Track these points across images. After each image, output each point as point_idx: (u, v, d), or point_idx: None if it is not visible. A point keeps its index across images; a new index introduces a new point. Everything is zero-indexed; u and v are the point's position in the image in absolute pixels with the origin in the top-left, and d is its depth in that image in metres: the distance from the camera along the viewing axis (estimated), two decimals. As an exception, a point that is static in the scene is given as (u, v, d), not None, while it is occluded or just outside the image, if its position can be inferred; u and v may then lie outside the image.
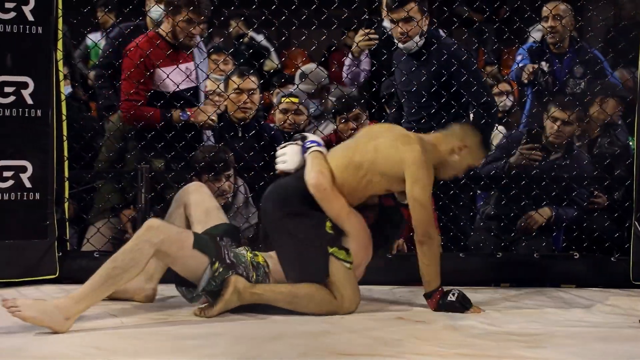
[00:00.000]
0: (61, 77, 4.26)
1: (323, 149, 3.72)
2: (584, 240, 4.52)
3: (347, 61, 5.03)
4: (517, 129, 5.30)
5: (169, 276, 3.62)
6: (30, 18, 4.09)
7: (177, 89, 4.56)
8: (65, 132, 4.27)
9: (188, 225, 3.70)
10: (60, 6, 4.19)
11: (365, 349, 3.02)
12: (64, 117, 4.26)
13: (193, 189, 3.79)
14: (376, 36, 4.85)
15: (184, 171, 4.53)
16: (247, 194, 4.72)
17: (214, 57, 5.63)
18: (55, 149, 4.18)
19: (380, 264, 4.01)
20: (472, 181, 4.55)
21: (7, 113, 4.07)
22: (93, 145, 4.75)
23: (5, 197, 4.08)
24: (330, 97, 5.24)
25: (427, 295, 3.64)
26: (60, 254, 4.20)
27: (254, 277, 3.53)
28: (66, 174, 4.29)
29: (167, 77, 4.52)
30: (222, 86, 4.92)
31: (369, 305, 3.70)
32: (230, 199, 4.61)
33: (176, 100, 4.58)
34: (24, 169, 4.11)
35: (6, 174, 4.08)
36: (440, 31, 4.83)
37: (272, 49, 6.85)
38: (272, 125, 5.08)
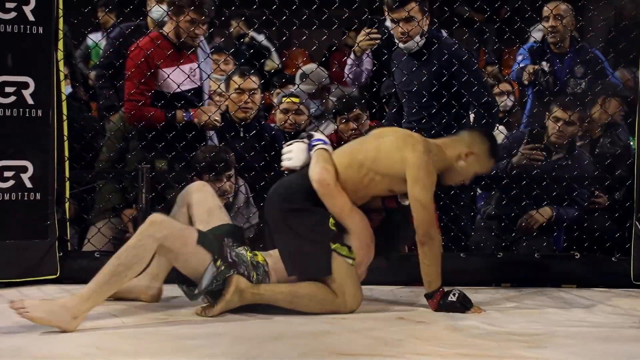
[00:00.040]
0: (62, 77, 4.26)
1: (329, 147, 3.71)
2: (584, 240, 4.52)
3: (349, 61, 5.03)
4: (518, 129, 5.30)
5: (170, 275, 3.62)
6: (31, 18, 4.09)
7: (179, 90, 4.56)
8: (65, 132, 4.27)
9: (191, 225, 3.68)
10: (60, 6, 4.19)
11: (365, 349, 3.02)
12: (64, 117, 4.26)
13: (196, 188, 3.79)
14: (378, 36, 4.85)
15: (184, 171, 4.53)
16: (247, 194, 4.72)
17: (214, 57, 5.62)
18: (55, 149, 4.18)
19: (381, 264, 4.00)
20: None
21: (8, 113, 4.07)
22: (94, 145, 4.75)
23: (6, 197, 4.08)
24: (330, 97, 5.24)
25: (428, 296, 3.64)
26: (61, 254, 4.20)
27: (255, 276, 3.53)
28: (67, 174, 4.29)
29: (168, 77, 4.52)
30: (222, 86, 4.93)
31: (369, 305, 3.69)
32: (231, 199, 4.61)
33: (179, 101, 4.59)
34: (24, 169, 4.11)
35: (7, 174, 4.08)
36: (442, 31, 4.82)
37: (272, 49, 6.85)
38: (272, 125, 5.08)
